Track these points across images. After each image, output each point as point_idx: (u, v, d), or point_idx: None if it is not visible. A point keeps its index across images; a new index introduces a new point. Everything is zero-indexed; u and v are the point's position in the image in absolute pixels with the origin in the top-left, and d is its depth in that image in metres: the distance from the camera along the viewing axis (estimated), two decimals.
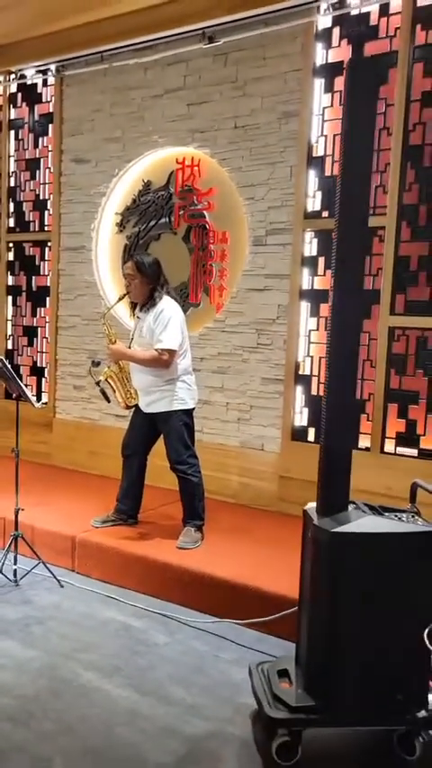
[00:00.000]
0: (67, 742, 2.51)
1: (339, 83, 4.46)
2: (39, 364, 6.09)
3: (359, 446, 4.48)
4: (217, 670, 3.05)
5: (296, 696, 2.44)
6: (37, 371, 6.11)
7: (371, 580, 2.37)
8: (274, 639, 3.26)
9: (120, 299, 4.15)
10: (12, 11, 5.18)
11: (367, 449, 4.43)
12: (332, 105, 4.51)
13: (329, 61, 4.51)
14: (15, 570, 3.85)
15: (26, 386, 4.31)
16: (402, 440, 4.34)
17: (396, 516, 2.53)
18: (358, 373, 4.36)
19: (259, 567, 3.65)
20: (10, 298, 6.23)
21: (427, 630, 2.36)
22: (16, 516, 3.87)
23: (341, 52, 4.47)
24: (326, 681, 2.41)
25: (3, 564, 3.85)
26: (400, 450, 4.34)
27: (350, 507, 2.54)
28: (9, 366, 3.93)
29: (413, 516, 2.55)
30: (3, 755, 2.41)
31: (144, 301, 3.95)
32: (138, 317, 4.04)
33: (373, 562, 2.36)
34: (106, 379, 4.13)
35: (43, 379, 6.05)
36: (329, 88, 4.51)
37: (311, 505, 2.60)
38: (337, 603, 2.38)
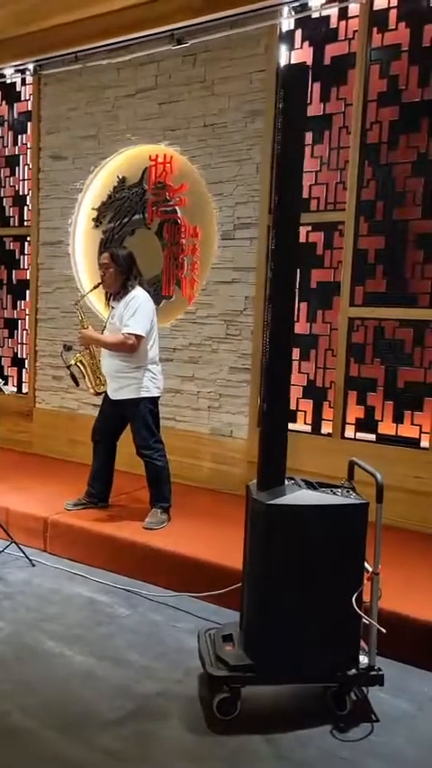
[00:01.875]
0: (26, 699, 2.70)
1: None
2: (19, 355, 6.28)
3: (321, 432, 4.69)
4: (172, 638, 3.25)
5: (235, 656, 2.64)
6: (18, 362, 6.30)
7: (302, 548, 2.56)
8: (229, 612, 3.44)
9: (94, 288, 4.35)
10: None
11: (329, 434, 4.63)
12: None
13: (292, 62, 4.69)
14: None
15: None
16: (362, 425, 4.54)
17: (331, 491, 2.72)
18: (320, 362, 4.59)
19: (221, 545, 3.83)
20: None
21: (354, 595, 2.56)
22: None
23: (303, 54, 4.65)
24: (261, 642, 2.61)
25: None
26: (360, 435, 4.54)
27: (288, 483, 2.73)
28: None
29: (348, 491, 2.74)
30: None
31: (117, 290, 4.15)
32: (111, 307, 4.24)
33: (304, 531, 2.56)
34: (76, 363, 4.33)
35: (24, 370, 6.24)
36: None
37: (254, 482, 2.79)
38: (271, 569, 2.58)
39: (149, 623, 3.40)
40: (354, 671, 2.63)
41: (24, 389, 6.24)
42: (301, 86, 2.62)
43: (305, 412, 4.75)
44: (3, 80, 6.08)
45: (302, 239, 4.70)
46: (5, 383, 4.17)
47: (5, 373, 6.37)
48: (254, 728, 2.57)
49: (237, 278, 4.94)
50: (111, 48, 5.33)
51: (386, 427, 4.44)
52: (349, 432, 4.58)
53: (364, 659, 2.67)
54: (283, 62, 4.70)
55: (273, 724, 2.60)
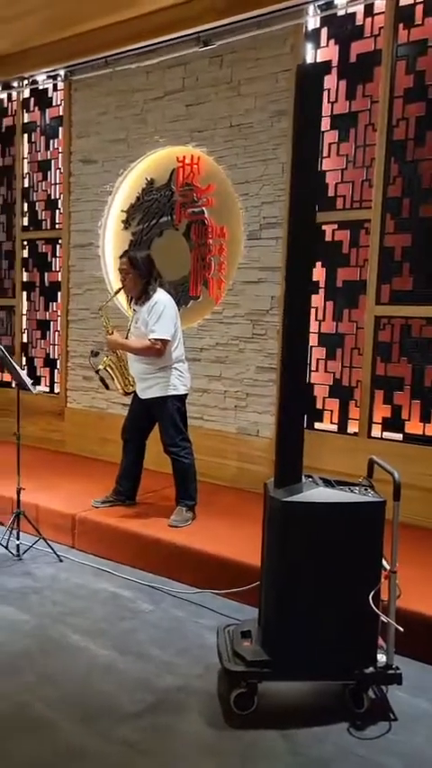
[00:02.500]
0: (48, 691, 2.77)
1: (328, 81, 4.62)
2: (51, 356, 6.40)
3: (348, 431, 4.67)
4: (194, 634, 3.28)
5: (252, 652, 2.66)
6: (50, 363, 6.42)
7: (318, 545, 2.57)
8: (251, 609, 3.44)
9: (116, 293, 4.39)
10: (22, 20, 5.45)
11: (355, 434, 4.61)
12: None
13: (318, 60, 4.68)
14: (18, 546, 4.14)
15: (23, 370, 4.57)
16: (388, 425, 4.51)
17: (349, 489, 2.72)
18: (347, 361, 4.57)
19: (244, 543, 3.85)
20: (25, 293, 6.54)
21: (372, 593, 2.56)
22: (18, 495, 4.15)
23: (329, 52, 4.64)
24: (278, 638, 2.63)
25: (8, 540, 4.15)
26: (387, 434, 4.51)
27: (305, 480, 2.74)
28: (6, 353, 4.20)
29: (365, 489, 2.74)
30: None
31: (138, 295, 4.19)
32: (134, 310, 4.29)
33: (320, 529, 2.56)
34: (105, 368, 4.39)
35: (56, 371, 6.35)
36: None
37: (272, 480, 2.81)
38: (288, 566, 2.59)
39: (172, 619, 3.44)
40: (371, 669, 2.62)
41: (56, 389, 6.35)
42: (317, 86, 2.63)
43: (331, 411, 4.73)
44: (35, 86, 6.21)
45: (328, 238, 4.70)
46: (35, 384, 4.25)
47: (38, 373, 6.50)
48: (270, 724, 2.58)
49: (263, 278, 4.96)
50: (139, 51, 5.40)
51: (413, 426, 4.40)
52: (376, 431, 4.55)
53: (382, 657, 2.66)
54: (309, 60, 4.71)
55: (290, 720, 2.61)
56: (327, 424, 4.76)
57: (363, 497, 2.62)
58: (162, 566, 3.94)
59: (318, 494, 2.61)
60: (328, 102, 4.63)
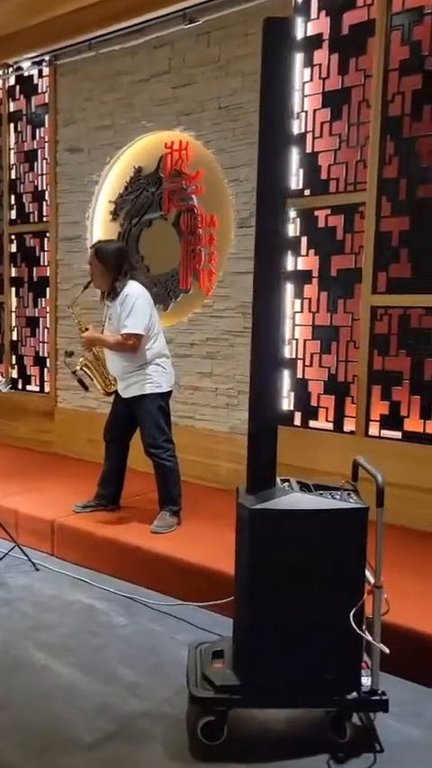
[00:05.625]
0: (0, 716, 2.52)
1: (319, 56, 4.36)
2: (41, 354, 6.17)
3: (344, 429, 4.38)
4: (169, 651, 3.01)
5: (222, 676, 2.39)
6: (39, 361, 6.19)
7: (291, 557, 2.29)
8: None
9: (85, 288, 4.12)
10: (2, 2, 5.23)
11: (352, 432, 4.32)
12: (312, 79, 4.40)
13: (309, 34, 4.40)
14: None
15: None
16: (386, 422, 4.21)
17: (330, 494, 2.45)
18: (342, 355, 4.29)
19: (231, 552, 3.56)
20: (14, 289, 6.33)
21: (352, 612, 2.28)
22: None
23: (320, 24, 4.35)
24: (249, 661, 2.35)
25: None
26: (385, 432, 4.22)
27: (282, 485, 2.47)
28: None
29: (348, 494, 2.46)
30: None
31: (108, 289, 3.93)
32: (106, 305, 4.04)
33: (293, 538, 2.29)
34: (81, 368, 4.14)
35: (45, 369, 6.13)
36: (309, 62, 4.40)
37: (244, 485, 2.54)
38: (257, 580, 2.32)
39: (147, 634, 3.18)
40: (354, 695, 2.34)
41: (46, 389, 6.12)
42: (284, 44, 2.35)
43: (327, 408, 4.45)
44: (21, 72, 5.98)
45: (321, 224, 4.42)
46: (8, 383, 4.01)
47: (28, 372, 6.28)
48: (240, 756, 2.31)
49: (252, 268, 4.67)
50: (124, 32, 5.15)
51: (412, 424, 4.10)
52: (374, 429, 4.25)
53: (367, 681, 2.38)
54: (300, 36, 4.43)
55: (262, 752, 2.34)
56: (322, 422, 4.47)
57: (342, 503, 2.34)
58: (142, 575, 3.68)
59: (291, 500, 2.33)
60: (320, 78, 4.36)
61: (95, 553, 3.90)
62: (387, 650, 2.32)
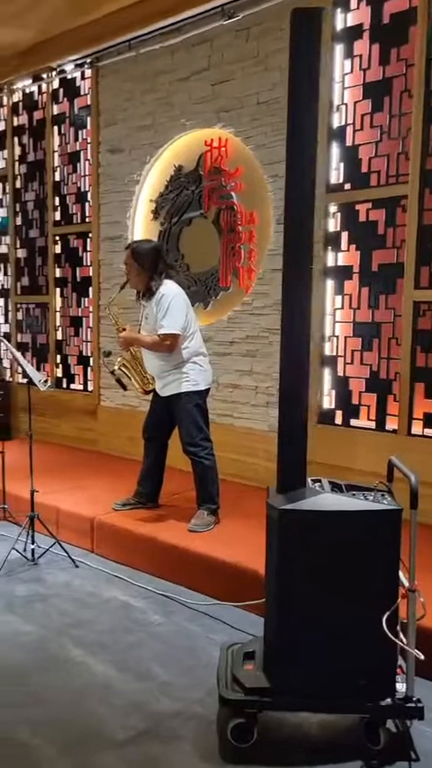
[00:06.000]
0: (36, 713, 2.55)
1: (359, 47, 4.27)
2: (84, 353, 6.24)
3: (386, 428, 4.29)
4: (204, 651, 3.00)
5: (253, 678, 2.36)
6: (83, 360, 6.26)
7: (320, 559, 2.25)
8: None
9: (121, 288, 4.13)
10: (44, 6, 5.28)
11: (394, 431, 4.22)
12: (352, 71, 4.31)
13: (349, 25, 4.31)
14: (33, 550, 3.96)
15: (31, 366, 4.38)
16: (430, 421, 4.10)
17: (363, 495, 2.39)
18: (384, 352, 4.20)
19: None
20: (58, 289, 6.42)
21: (385, 616, 2.22)
22: (32, 498, 3.97)
23: (360, 15, 4.26)
24: (279, 663, 2.32)
25: (25, 544, 3.98)
26: (428, 431, 4.10)
27: (313, 485, 2.42)
28: (11, 346, 4.03)
29: (382, 495, 2.40)
30: None
31: (143, 289, 3.94)
32: (142, 305, 4.04)
33: (323, 540, 2.24)
34: (120, 368, 4.16)
35: (89, 368, 6.20)
36: (349, 53, 4.32)
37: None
38: (285, 581, 2.28)
39: (182, 633, 3.17)
40: (388, 701, 2.28)
41: (89, 387, 6.19)
42: (313, 35, 2.29)
43: (368, 407, 4.36)
44: (64, 75, 6.05)
45: (362, 218, 4.33)
46: (46, 381, 4.06)
47: (72, 371, 6.36)
48: (271, 760, 2.28)
49: None
50: (163, 31, 5.15)
51: None
52: (416, 428, 4.14)
53: (401, 687, 2.32)
54: (339, 26, 4.35)
55: (293, 756, 2.30)
56: (363, 421, 4.39)
57: (374, 504, 2.28)
58: (179, 574, 3.68)
59: (321, 500, 2.29)
60: (360, 69, 4.26)
61: (133, 551, 3.92)
62: (422, 656, 2.26)
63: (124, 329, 4.03)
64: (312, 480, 2.46)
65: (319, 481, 2.47)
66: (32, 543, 3.97)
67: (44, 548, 4.00)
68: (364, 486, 2.45)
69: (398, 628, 2.29)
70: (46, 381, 4.01)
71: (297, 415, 2.37)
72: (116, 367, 4.15)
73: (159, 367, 3.99)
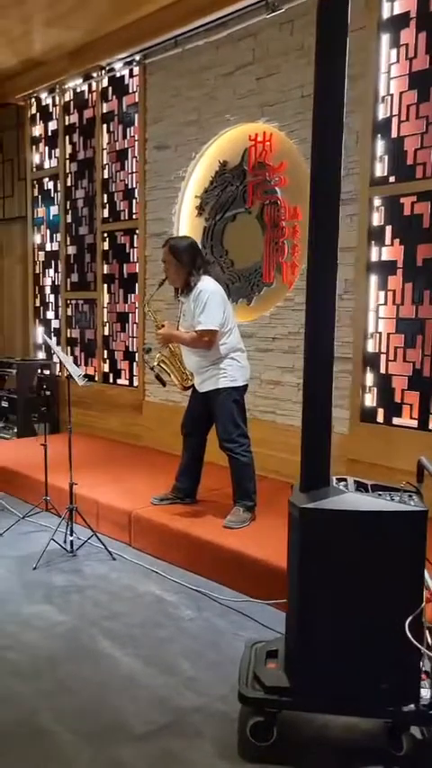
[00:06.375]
0: (61, 701, 2.60)
1: (406, 36, 4.16)
2: (130, 349, 6.31)
3: (429, 427, 4.18)
4: (231, 648, 2.99)
5: (273, 676, 2.34)
6: (129, 356, 6.33)
7: (342, 559, 2.21)
8: None
9: (160, 285, 4.15)
10: (88, 8, 5.35)
11: None
12: (398, 61, 4.21)
13: (395, 13, 4.21)
14: (72, 542, 4.03)
15: (71, 361, 4.47)
16: None
17: (389, 495, 2.33)
18: (427, 349, 4.09)
19: None
20: (105, 285, 6.50)
21: (408, 620, 2.16)
22: (71, 490, 4.04)
23: (407, 2, 4.15)
24: (300, 663, 2.29)
25: (65, 535, 4.05)
26: None
27: (338, 484, 2.38)
28: (52, 342, 4.11)
29: (410, 496, 2.33)
30: None
31: (182, 285, 3.95)
32: (180, 302, 4.05)
33: (344, 540, 2.20)
34: (159, 364, 4.18)
35: (134, 364, 6.26)
36: (395, 43, 4.21)
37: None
38: (306, 581, 2.25)
39: (212, 629, 3.17)
40: (411, 707, 2.22)
41: (135, 383, 6.26)
42: (341, 21, 2.24)
43: (411, 405, 4.25)
44: (113, 73, 6.12)
45: (407, 211, 4.22)
46: (85, 376, 4.13)
47: (119, 367, 6.44)
48: (290, 760, 2.26)
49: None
50: (208, 27, 5.15)
51: None
52: None
53: (427, 693, 2.25)
54: (385, 16, 4.25)
55: (313, 757, 2.28)
56: (406, 420, 4.28)
57: (399, 505, 2.22)
58: (212, 570, 3.68)
59: (344, 500, 2.24)
60: (406, 59, 4.15)
61: (169, 545, 3.94)
62: None
63: (163, 326, 4.05)
64: (338, 479, 2.42)
65: (345, 480, 2.42)
66: (71, 535, 4.04)
67: (83, 539, 4.07)
68: (391, 487, 2.39)
69: (424, 633, 2.23)
70: (85, 377, 4.07)
71: (320, 413, 2.33)
72: (155, 363, 4.18)
73: (197, 363, 4.00)
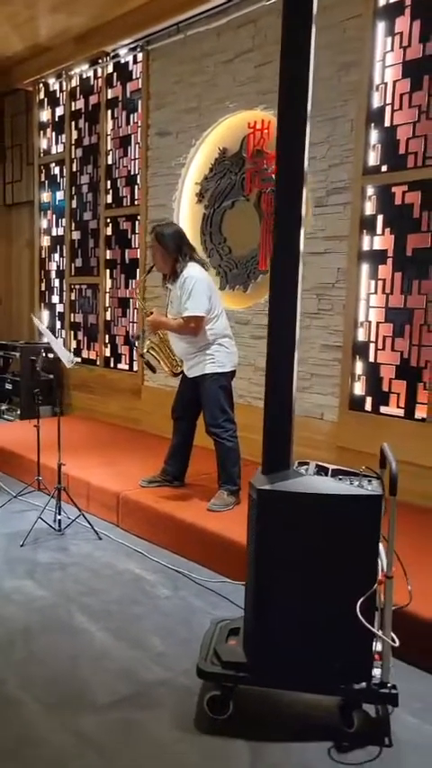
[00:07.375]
0: (30, 671, 2.68)
1: (401, 24, 4.15)
2: (131, 333, 6.38)
3: (415, 416, 4.20)
4: (202, 626, 3.02)
5: (231, 652, 2.41)
6: (129, 341, 6.40)
7: (297, 540, 2.26)
8: None
9: (148, 272, 4.22)
10: None
11: (423, 419, 4.14)
12: (393, 50, 4.20)
13: (391, 1, 4.19)
14: (60, 521, 4.13)
15: (60, 343, 4.55)
16: None
17: (349, 479, 2.38)
18: (415, 339, 4.11)
19: None
20: (108, 271, 6.57)
21: (359, 602, 2.21)
22: (59, 470, 4.13)
23: None
24: (255, 640, 2.36)
25: (55, 515, 4.15)
26: None
27: (299, 468, 2.43)
28: (42, 325, 4.18)
29: (369, 481, 2.38)
30: None
31: (168, 272, 4.00)
32: (168, 288, 4.11)
33: (299, 522, 2.25)
34: (148, 350, 4.24)
35: (134, 348, 6.33)
36: (390, 31, 4.20)
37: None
38: (262, 561, 2.31)
39: (186, 608, 3.25)
40: (362, 685, 2.28)
41: (134, 368, 6.33)
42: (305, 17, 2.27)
43: (398, 394, 4.28)
44: (117, 59, 6.15)
45: (398, 201, 4.22)
46: (74, 359, 4.21)
47: (119, 351, 6.52)
48: (243, 733, 2.33)
49: (329, 248, 4.57)
50: (210, 13, 5.16)
51: None
52: None
53: (378, 672, 2.31)
54: (381, 3, 4.23)
55: (267, 731, 2.34)
56: (393, 408, 4.31)
57: (354, 489, 2.27)
58: (195, 551, 3.76)
59: (301, 483, 2.29)
60: (400, 47, 4.14)
61: (154, 526, 4.02)
62: (396, 643, 2.25)
63: (151, 313, 4.11)
64: (299, 463, 2.47)
65: (307, 464, 2.47)
66: (60, 514, 4.14)
67: (71, 518, 4.16)
68: (352, 471, 2.44)
69: (374, 614, 2.28)
70: (74, 359, 4.14)
71: (282, 398, 2.38)
72: (145, 350, 4.24)
73: (185, 349, 4.06)
